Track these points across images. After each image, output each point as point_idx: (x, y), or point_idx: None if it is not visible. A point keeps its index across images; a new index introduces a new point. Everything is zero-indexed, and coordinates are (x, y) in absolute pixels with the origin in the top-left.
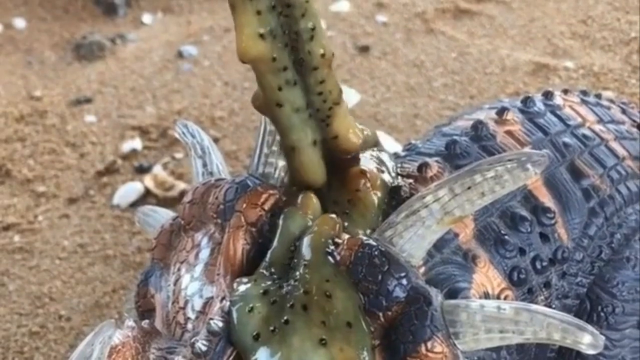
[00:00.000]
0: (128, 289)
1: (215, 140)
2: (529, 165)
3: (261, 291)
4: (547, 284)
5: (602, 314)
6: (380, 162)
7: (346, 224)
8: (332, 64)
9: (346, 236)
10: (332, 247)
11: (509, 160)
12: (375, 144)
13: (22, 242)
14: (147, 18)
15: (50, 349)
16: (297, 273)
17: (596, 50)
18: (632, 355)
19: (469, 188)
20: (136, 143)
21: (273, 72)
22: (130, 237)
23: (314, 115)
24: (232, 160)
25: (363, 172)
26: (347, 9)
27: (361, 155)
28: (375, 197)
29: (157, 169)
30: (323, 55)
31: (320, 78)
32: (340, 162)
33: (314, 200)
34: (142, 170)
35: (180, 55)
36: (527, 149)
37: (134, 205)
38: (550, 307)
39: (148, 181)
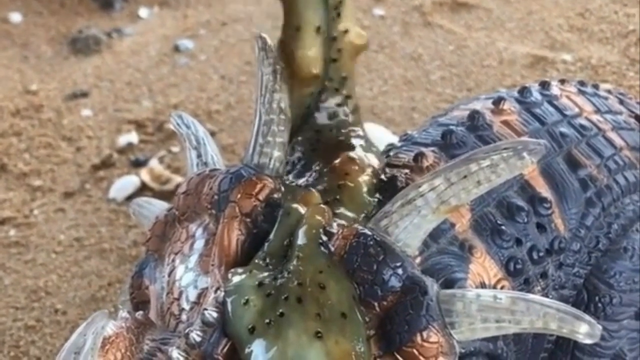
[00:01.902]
0: (124, 283)
1: (212, 134)
2: (525, 154)
3: (256, 283)
4: (543, 275)
5: (599, 304)
6: (369, 148)
7: (337, 210)
8: None
9: (339, 224)
10: (325, 238)
11: (505, 148)
12: (354, 105)
13: (18, 236)
14: (143, 12)
15: (46, 342)
16: (291, 265)
17: (594, 43)
18: (630, 346)
19: (464, 177)
20: (132, 137)
21: None
22: (126, 230)
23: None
24: (228, 154)
25: (352, 158)
26: None
27: (350, 143)
28: (364, 179)
29: (154, 163)
30: None
31: None
32: (330, 150)
33: (316, 195)
34: (138, 164)
35: (176, 49)
36: (523, 138)
37: (130, 199)
38: (547, 297)
39: (144, 175)
